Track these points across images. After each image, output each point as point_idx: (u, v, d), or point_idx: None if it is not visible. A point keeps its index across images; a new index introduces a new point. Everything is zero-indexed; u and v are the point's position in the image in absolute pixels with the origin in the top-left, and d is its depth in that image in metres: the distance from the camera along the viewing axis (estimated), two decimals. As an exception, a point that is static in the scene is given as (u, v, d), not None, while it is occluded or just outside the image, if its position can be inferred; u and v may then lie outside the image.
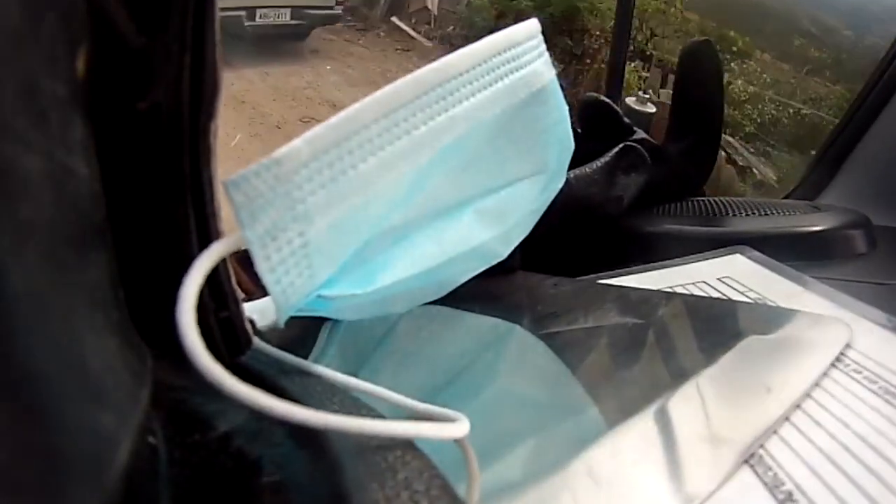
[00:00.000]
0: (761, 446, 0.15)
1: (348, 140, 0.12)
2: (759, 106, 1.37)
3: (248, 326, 0.13)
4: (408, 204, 0.15)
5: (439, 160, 0.14)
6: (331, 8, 1.86)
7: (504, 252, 0.21)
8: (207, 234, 0.12)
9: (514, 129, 0.17)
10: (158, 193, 0.11)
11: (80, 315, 0.09)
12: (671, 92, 0.41)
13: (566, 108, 0.19)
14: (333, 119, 0.12)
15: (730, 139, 1.26)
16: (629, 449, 0.15)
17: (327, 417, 0.10)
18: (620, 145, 0.32)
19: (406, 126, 0.13)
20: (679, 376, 0.18)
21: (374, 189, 0.12)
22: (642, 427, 0.16)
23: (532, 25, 0.16)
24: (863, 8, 1.17)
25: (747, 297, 0.24)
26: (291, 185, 0.11)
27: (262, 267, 0.11)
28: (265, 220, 0.11)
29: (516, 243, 0.22)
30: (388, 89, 0.12)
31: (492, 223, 0.19)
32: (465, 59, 0.14)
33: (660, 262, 0.28)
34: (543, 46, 0.17)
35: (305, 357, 0.14)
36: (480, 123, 0.14)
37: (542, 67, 0.17)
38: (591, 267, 0.28)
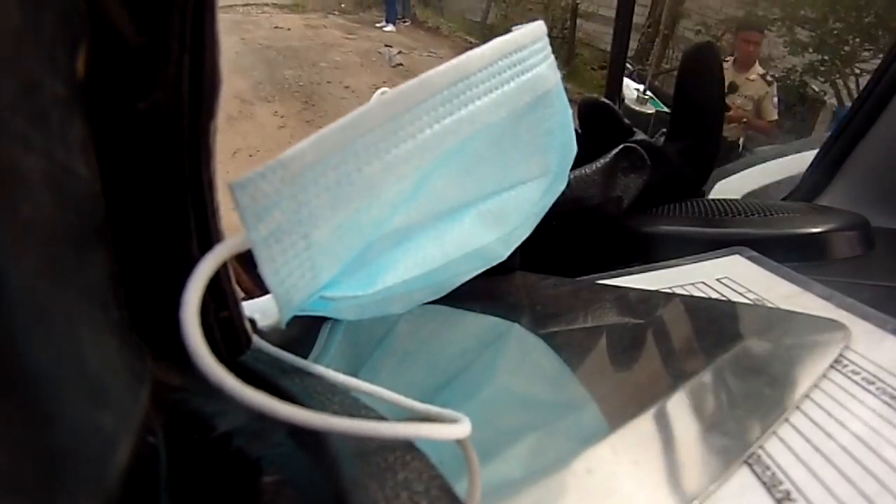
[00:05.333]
0: (760, 446, 0.15)
1: (354, 143, 0.12)
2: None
3: (248, 326, 0.13)
4: (411, 206, 0.15)
5: (443, 163, 0.14)
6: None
7: (505, 253, 0.21)
8: (208, 234, 0.12)
9: (518, 133, 0.17)
10: (158, 194, 0.11)
11: (79, 315, 0.09)
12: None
13: (570, 111, 0.19)
14: (339, 122, 0.12)
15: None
16: (629, 448, 0.15)
17: (330, 420, 0.10)
18: (620, 146, 0.32)
19: (411, 129, 0.13)
20: (678, 376, 0.18)
21: (379, 192, 0.12)
22: (642, 427, 0.16)
23: (538, 28, 0.16)
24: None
25: (746, 297, 0.24)
26: (296, 187, 0.11)
27: (265, 269, 0.11)
28: (270, 223, 0.11)
29: (517, 245, 0.22)
30: (394, 92, 0.12)
31: (493, 225, 0.19)
32: (472, 62, 0.14)
33: (659, 263, 0.28)
34: (549, 50, 0.17)
35: (305, 356, 0.14)
36: (485, 127, 0.14)
37: (547, 71, 0.17)
38: (590, 267, 0.28)
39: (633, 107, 1.85)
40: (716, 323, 0.22)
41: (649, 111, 1.87)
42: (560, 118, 0.18)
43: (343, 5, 4.10)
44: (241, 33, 3.01)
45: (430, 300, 0.21)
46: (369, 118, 0.12)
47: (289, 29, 3.30)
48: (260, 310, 0.16)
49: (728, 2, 2.69)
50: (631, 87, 1.95)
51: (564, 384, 0.20)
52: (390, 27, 3.84)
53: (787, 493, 0.14)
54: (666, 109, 1.93)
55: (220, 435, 0.12)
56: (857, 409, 0.17)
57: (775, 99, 1.75)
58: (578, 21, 3.32)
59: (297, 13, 3.78)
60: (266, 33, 3.12)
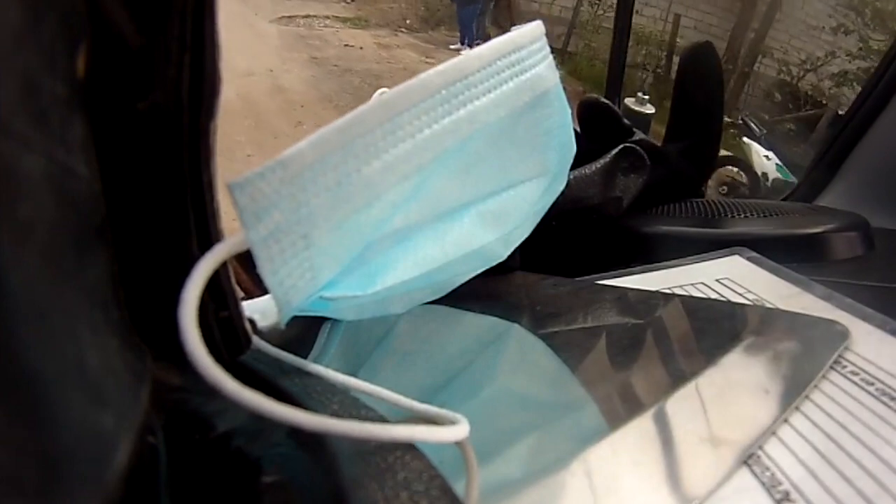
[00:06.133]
0: (759, 447, 0.15)
1: (353, 143, 0.12)
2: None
3: (248, 326, 0.13)
4: (410, 206, 0.15)
5: (442, 163, 0.14)
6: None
7: (504, 253, 0.21)
8: (207, 234, 0.12)
9: (517, 132, 0.17)
10: (158, 194, 0.11)
11: (79, 315, 0.09)
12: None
13: (569, 111, 0.19)
14: (338, 122, 0.12)
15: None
16: (628, 449, 0.15)
17: (326, 422, 0.10)
18: (620, 146, 0.32)
19: (410, 129, 0.13)
20: (677, 377, 0.18)
21: (378, 192, 0.12)
22: (641, 427, 0.16)
23: (536, 28, 0.16)
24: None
25: (745, 298, 0.24)
26: (295, 187, 0.11)
27: (264, 269, 0.11)
28: (269, 223, 0.11)
29: (517, 245, 0.22)
30: (393, 92, 0.12)
31: (493, 225, 0.19)
32: (470, 62, 0.14)
33: (659, 263, 0.28)
34: (548, 49, 0.17)
35: (305, 356, 0.14)
36: (484, 126, 0.14)
37: (545, 71, 0.17)
38: (590, 267, 0.28)
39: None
40: (715, 323, 0.22)
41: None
42: (559, 118, 0.18)
43: (408, 21, 3.86)
44: (309, 50, 2.85)
45: (429, 300, 0.21)
46: (368, 118, 0.12)
47: (361, 48, 3.12)
48: (260, 310, 0.16)
49: (808, 40, 2.59)
50: (756, 151, 1.94)
51: (564, 384, 0.20)
52: (467, 50, 3.65)
53: (787, 493, 0.14)
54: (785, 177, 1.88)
55: (219, 435, 0.12)
56: (857, 409, 0.17)
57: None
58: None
59: (361, 28, 3.55)
60: (337, 52, 2.95)
